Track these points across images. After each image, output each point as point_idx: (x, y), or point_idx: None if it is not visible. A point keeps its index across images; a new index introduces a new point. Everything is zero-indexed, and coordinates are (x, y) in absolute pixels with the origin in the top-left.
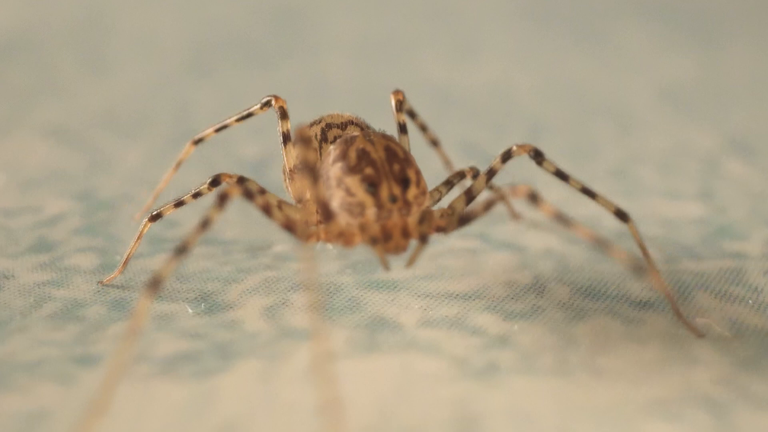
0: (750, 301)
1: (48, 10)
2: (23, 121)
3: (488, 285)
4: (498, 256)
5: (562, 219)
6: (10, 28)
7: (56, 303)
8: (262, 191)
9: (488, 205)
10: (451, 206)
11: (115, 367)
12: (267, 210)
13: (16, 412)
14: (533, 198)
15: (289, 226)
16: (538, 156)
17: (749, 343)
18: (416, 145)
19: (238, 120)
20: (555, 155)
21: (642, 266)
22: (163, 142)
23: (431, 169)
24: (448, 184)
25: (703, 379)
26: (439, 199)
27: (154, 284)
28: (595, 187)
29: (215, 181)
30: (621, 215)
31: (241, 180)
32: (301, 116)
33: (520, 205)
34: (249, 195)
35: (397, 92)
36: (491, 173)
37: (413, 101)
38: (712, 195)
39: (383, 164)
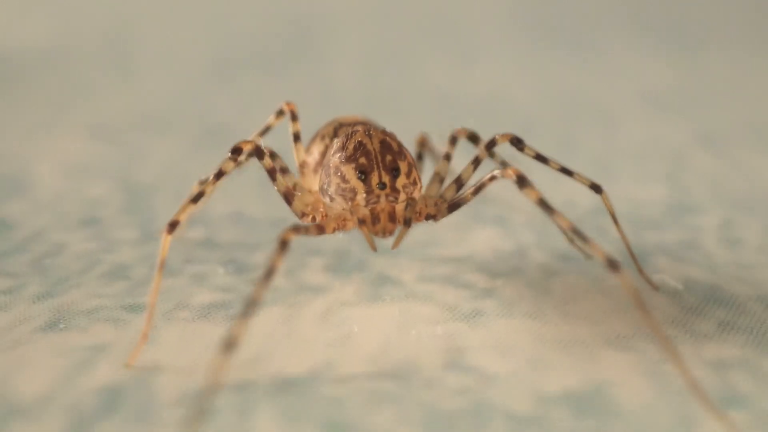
0: (702, 263)
1: (82, 23)
2: (64, 119)
3: (477, 251)
4: (487, 230)
5: (545, 206)
6: (50, 39)
7: (106, 265)
8: (273, 157)
9: (477, 190)
10: (441, 195)
11: (152, 295)
12: (272, 174)
13: (79, 346)
14: (522, 180)
15: (288, 197)
16: (518, 143)
17: (697, 294)
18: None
19: (260, 135)
20: (544, 149)
21: (614, 262)
22: (189, 138)
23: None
24: (447, 157)
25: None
26: (443, 179)
27: (173, 225)
28: (569, 159)
29: (237, 149)
30: (595, 188)
31: (258, 150)
32: (310, 118)
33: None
34: (259, 154)
35: (422, 136)
36: (477, 162)
37: (416, 105)
38: (677, 180)
39: (376, 155)
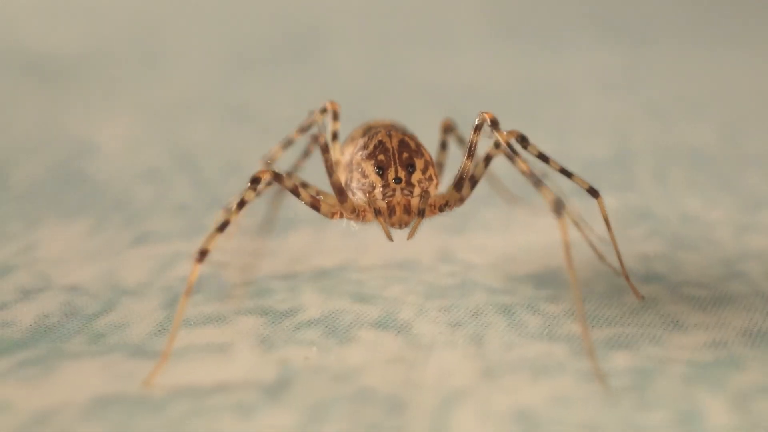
0: (635, 189)
1: (113, 28)
2: (113, 104)
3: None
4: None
5: (543, 157)
6: (86, 42)
7: (168, 201)
8: (290, 176)
9: (487, 161)
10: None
11: (176, 319)
12: (295, 191)
13: (164, 253)
14: (523, 139)
15: (315, 205)
16: (523, 141)
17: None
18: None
19: (301, 131)
20: (507, 126)
21: (595, 190)
22: (217, 116)
23: None
24: (470, 149)
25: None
26: (466, 171)
27: (202, 253)
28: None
29: (255, 179)
30: (593, 192)
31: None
32: (312, 102)
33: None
34: (278, 179)
35: (446, 121)
36: (488, 159)
37: (405, 92)
38: (624, 143)
39: (394, 153)
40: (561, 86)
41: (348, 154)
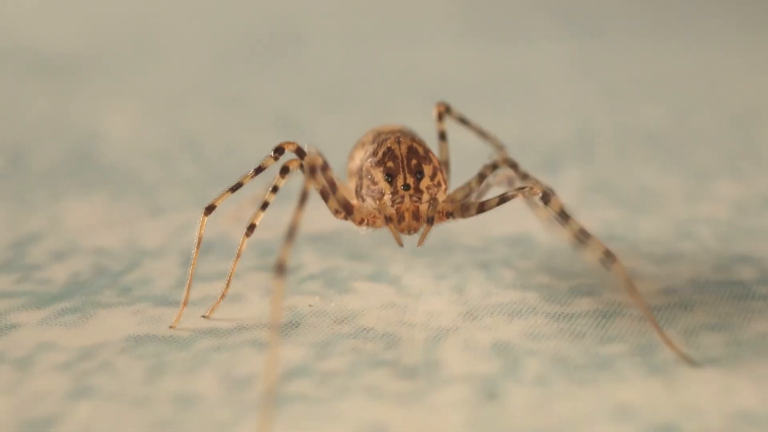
0: (591, 160)
1: (112, 27)
2: (118, 92)
3: None
4: None
5: (565, 219)
6: (89, 40)
7: (176, 176)
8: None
9: (503, 200)
10: (456, 197)
11: (191, 268)
12: (312, 172)
13: (177, 222)
14: (546, 197)
15: (324, 194)
16: (514, 166)
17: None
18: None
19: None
20: (480, 116)
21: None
22: (214, 102)
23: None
24: (481, 177)
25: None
26: (468, 193)
27: (209, 208)
28: (503, 121)
29: (279, 149)
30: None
31: (300, 151)
32: (299, 92)
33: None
34: (300, 153)
35: (439, 104)
36: (482, 177)
37: (382, 87)
38: (584, 125)
39: (403, 159)
40: (524, 75)
41: (358, 160)
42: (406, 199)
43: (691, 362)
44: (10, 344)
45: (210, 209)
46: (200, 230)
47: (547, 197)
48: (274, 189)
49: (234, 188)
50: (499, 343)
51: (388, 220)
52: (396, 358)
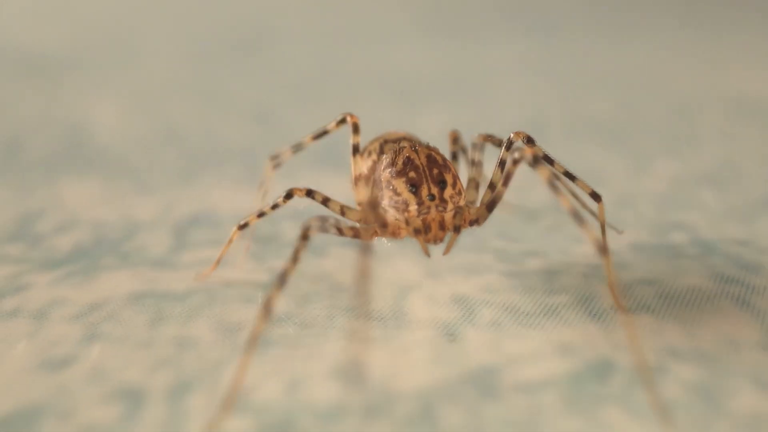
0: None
1: (93, 27)
2: (102, 88)
3: None
4: None
5: (554, 186)
6: (71, 39)
7: (165, 161)
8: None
9: (506, 179)
10: (480, 201)
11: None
12: (325, 203)
13: (168, 197)
14: (536, 160)
15: (356, 235)
16: (529, 141)
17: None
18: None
19: (314, 138)
20: (442, 109)
21: (602, 247)
22: (194, 96)
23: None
24: (502, 164)
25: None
26: (478, 184)
27: (266, 308)
28: (460, 111)
29: (288, 195)
30: (595, 196)
31: (310, 192)
32: (272, 87)
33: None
34: (310, 194)
35: (453, 132)
36: (502, 163)
37: (349, 83)
38: (539, 114)
39: (424, 169)
40: (481, 70)
41: (365, 168)
42: (432, 210)
43: (625, 309)
44: (25, 300)
45: (243, 227)
46: (229, 240)
47: (537, 158)
48: (274, 206)
49: (260, 215)
50: (458, 296)
51: (417, 232)
52: (370, 309)
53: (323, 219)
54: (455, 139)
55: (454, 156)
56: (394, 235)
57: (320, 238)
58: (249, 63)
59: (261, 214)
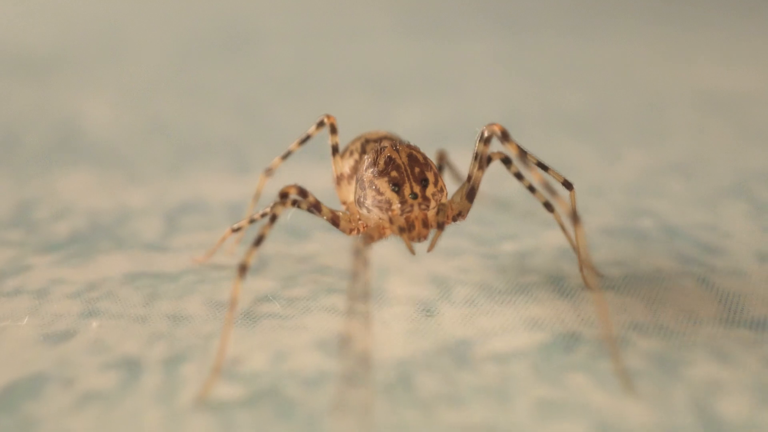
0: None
1: (81, 25)
2: (93, 84)
3: None
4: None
5: (524, 159)
6: (60, 37)
7: (153, 147)
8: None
9: (480, 163)
10: (459, 195)
11: (224, 331)
12: (317, 207)
13: (160, 184)
14: (504, 135)
15: (335, 221)
16: (504, 136)
17: None
18: None
19: (300, 143)
20: (415, 106)
21: (574, 216)
22: (180, 96)
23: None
24: (481, 162)
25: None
26: (471, 186)
27: (243, 268)
28: (438, 107)
29: (284, 194)
30: (567, 185)
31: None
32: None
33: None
34: (303, 194)
35: (440, 152)
36: (478, 157)
37: (329, 79)
38: (514, 108)
39: (406, 168)
40: (458, 67)
41: (347, 168)
42: (416, 208)
43: (595, 285)
44: (27, 280)
45: (243, 269)
46: (234, 294)
47: (505, 135)
48: (264, 214)
49: (258, 242)
50: (436, 276)
51: (401, 230)
52: (349, 287)
53: (304, 192)
54: (442, 156)
55: (440, 168)
56: (379, 234)
57: (305, 223)
58: (234, 60)
59: (252, 221)
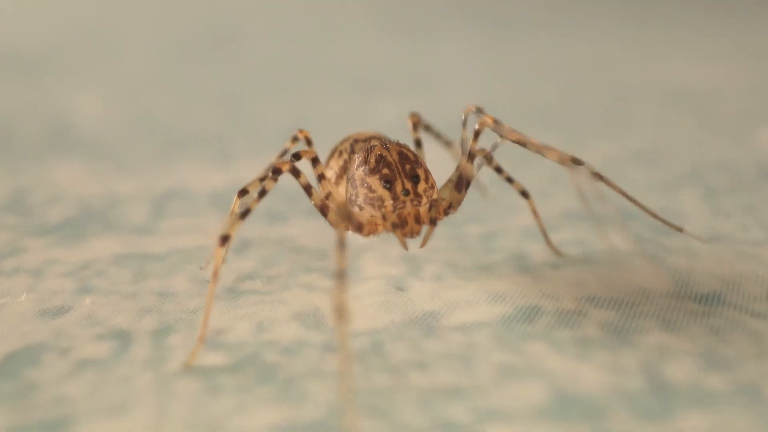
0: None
1: (74, 24)
2: (85, 80)
3: None
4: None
5: (520, 136)
6: (53, 35)
7: (148, 141)
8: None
9: (471, 157)
10: (448, 188)
11: (208, 300)
12: (308, 189)
13: (154, 175)
14: (498, 124)
15: (323, 210)
16: (479, 110)
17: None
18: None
19: (279, 157)
20: (397, 102)
21: (577, 161)
22: (170, 91)
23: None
24: (470, 153)
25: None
26: (458, 178)
27: (224, 238)
28: (416, 100)
29: (277, 170)
30: (576, 161)
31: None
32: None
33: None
34: (295, 173)
35: (413, 115)
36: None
37: (311, 75)
38: (488, 103)
39: (397, 165)
40: (435, 64)
41: (336, 168)
42: (408, 204)
43: (558, 253)
44: (23, 260)
45: (225, 240)
46: (217, 262)
47: (496, 121)
48: (262, 193)
49: (243, 215)
50: (406, 255)
51: (394, 227)
52: (325, 266)
53: (296, 171)
54: (416, 123)
55: (418, 143)
56: (372, 231)
57: (283, 207)
58: (219, 56)
59: (244, 215)
